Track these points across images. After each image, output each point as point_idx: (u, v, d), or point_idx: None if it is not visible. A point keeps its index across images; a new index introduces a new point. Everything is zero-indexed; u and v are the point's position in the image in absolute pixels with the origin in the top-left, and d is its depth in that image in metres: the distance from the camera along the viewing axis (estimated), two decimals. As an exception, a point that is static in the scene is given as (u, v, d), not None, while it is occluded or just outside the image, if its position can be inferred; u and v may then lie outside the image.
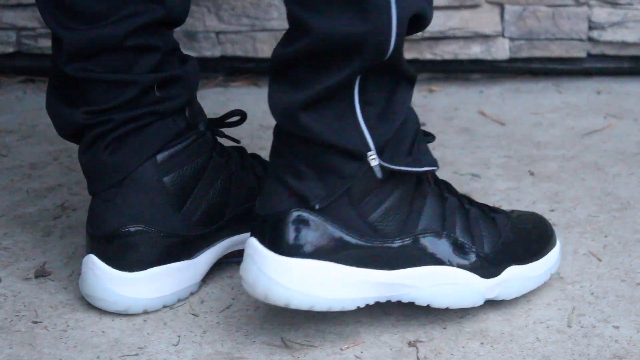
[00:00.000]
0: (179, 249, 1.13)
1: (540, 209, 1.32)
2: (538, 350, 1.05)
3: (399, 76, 1.02)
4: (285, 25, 1.09)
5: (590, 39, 1.69)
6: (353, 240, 1.03)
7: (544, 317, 1.10)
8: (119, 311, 1.11)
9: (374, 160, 1.01)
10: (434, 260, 1.06)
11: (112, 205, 1.10)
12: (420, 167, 1.04)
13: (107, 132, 1.10)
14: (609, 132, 1.54)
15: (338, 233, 1.02)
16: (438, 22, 1.67)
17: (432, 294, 1.06)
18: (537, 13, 1.67)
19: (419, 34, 1.67)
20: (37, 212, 1.34)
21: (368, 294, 1.05)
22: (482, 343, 1.06)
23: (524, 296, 1.12)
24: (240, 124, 1.18)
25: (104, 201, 1.11)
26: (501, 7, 1.67)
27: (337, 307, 1.03)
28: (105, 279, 1.10)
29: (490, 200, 1.34)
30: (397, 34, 0.97)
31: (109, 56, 1.09)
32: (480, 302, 1.09)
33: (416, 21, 1.00)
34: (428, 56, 1.70)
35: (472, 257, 1.07)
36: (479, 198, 1.34)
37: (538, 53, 1.70)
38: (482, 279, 1.08)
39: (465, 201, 1.11)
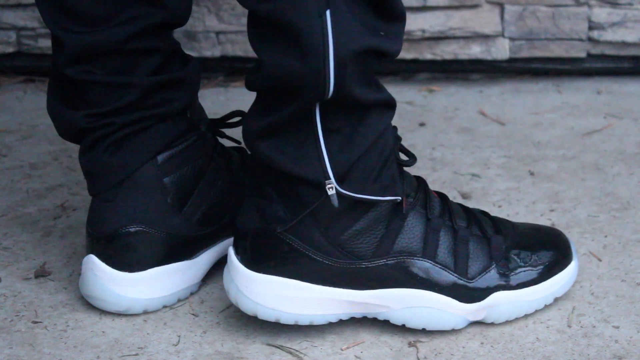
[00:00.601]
0: (179, 250, 1.13)
1: (540, 209, 1.31)
2: (538, 350, 1.05)
3: (364, 105, 1.00)
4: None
5: (590, 39, 1.69)
6: (319, 260, 1.03)
7: (544, 317, 1.10)
8: (119, 311, 1.11)
9: (331, 189, 1.00)
10: (408, 282, 1.05)
11: (112, 205, 1.10)
12: (383, 196, 1.03)
13: (108, 135, 1.10)
14: (609, 132, 1.54)
15: (303, 252, 1.03)
16: (438, 22, 1.67)
17: (406, 315, 1.06)
18: (537, 13, 1.67)
19: (419, 34, 1.67)
20: (37, 212, 1.34)
21: (337, 310, 1.06)
22: (482, 343, 1.06)
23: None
24: (241, 124, 1.18)
25: (104, 202, 1.11)
26: (501, 7, 1.67)
27: (304, 322, 1.05)
28: (105, 279, 1.10)
29: (490, 200, 1.34)
30: (337, 75, 0.95)
31: (109, 59, 1.09)
32: (462, 325, 1.07)
33: (375, 56, 0.98)
34: (428, 56, 1.70)
35: (450, 281, 1.06)
36: (479, 198, 1.34)
37: (538, 53, 1.70)
38: (461, 304, 1.06)
39: (458, 219, 1.08)
